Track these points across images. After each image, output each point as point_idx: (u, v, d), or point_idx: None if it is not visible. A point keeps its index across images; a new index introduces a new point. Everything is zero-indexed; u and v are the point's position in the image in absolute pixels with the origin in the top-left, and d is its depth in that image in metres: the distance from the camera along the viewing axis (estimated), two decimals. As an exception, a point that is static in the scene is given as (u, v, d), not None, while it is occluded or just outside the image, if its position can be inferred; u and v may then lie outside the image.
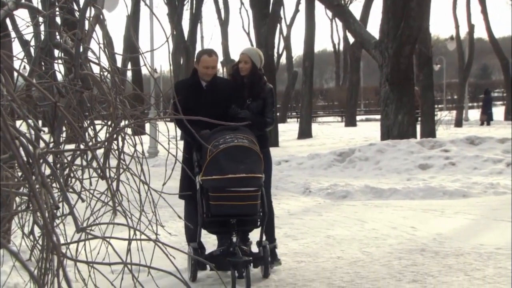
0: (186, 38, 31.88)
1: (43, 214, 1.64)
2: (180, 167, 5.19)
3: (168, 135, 3.68)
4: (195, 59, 5.82)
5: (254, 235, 5.69)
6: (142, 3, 27.69)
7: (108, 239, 2.87)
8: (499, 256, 6.01)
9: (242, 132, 5.34)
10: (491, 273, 5.42)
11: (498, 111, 47.06)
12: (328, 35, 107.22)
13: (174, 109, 5.40)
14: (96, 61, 3.34)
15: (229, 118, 5.54)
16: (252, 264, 5.23)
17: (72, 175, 3.51)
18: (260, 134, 5.69)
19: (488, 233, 7.16)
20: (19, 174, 2.97)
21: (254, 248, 5.57)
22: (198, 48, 54.83)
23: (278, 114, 28.95)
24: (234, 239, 5.26)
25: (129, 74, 28.14)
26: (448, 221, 7.96)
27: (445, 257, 6.02)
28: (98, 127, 3.53)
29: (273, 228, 5.92)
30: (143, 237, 2.80)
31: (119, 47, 30.42)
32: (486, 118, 34.80)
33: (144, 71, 30.84)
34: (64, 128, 3.39)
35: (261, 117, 5.77)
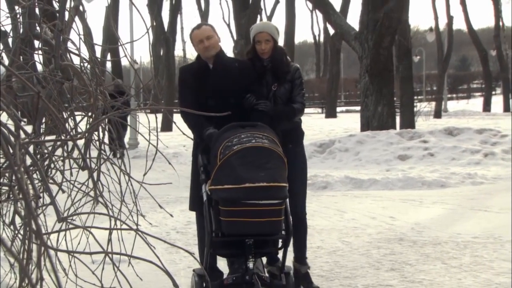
0: (166, 29, 31.76)
1: (28, 202, 1.66)
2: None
3: (149, 126, 3.70)
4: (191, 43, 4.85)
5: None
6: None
7: (89, 229, 2.88)
8: (476, 244, 6.10)
9: (261, 129, 4.26)
10: (468, 261, 5.52)
11: (477, 102, 47.46)
12: (309, 27, 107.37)
13: (179, 99, 4.84)
14: (76, 52, 3.35)
15: (246, 110, 4.55)
16: None
17: (52, 165, 3.52)
18: (291, 128, 4.72)
19: (465, 222, 7.27)
20: None
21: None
22: (178, 39, 54.44)
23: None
24: (251, 265, 4.18)
25: (108, 65, 27.98)
26: (426, 211, 8.06)
27: (423, 246, 6.10)
28: (78, 118, 3.54)
29: (305, 247, 4.89)
30: (124, 226, 2.82)
31: (98, 38, 30.24)
32: None
33: (124, 62, 30.67)
34: (44, 119, 3.40)
35: (287, 105, 4.69)
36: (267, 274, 4.57)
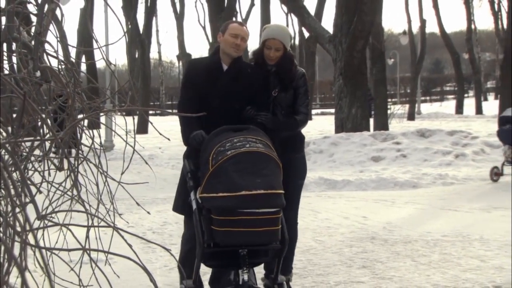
0: (141, 32, 31.73)
1: (12, 198, 1.75)
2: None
3: (126, 128, 3.78)
4: (219, 32, 4.49)
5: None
6: (96, -4, 27.47)
7: (67, 227, 2.97)
8: (445, 242, 6.27)
9: (253, 133, 4.03)
10: (437, 258, 5.67)
11: (450, 105, 48.05)
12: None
13: (181, 92, 4.56)
14: (54, 54, 3.43)
15: (245, 120, 4.33)
16: None
17: (30, 166, 3.59)
18: (292, 135, 4.53)
19: (435, 221, 7.45)
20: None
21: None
22: (154, 42, 54.39)
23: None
24: (246, 277, 3.90)
25: (83, 67, 27.90)
26: (398, 211, 8.23)
27: (394, 244, 6.26)
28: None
29: (292, 256, 4.76)
30: (102, 224, 2.91)
31: (72, 40, 30.11)
32: None
33: (99, 64, 30.60)
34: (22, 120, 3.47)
35: (290, 117, 4.47)
36: (262, 287, 4.38)
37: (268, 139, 4.03)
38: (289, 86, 4.49)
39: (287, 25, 50.72)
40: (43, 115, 3.54)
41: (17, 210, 2.66)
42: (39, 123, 2.73)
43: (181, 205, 4.44)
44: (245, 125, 4.15)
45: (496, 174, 10.44)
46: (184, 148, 4.44)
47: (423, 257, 5.73)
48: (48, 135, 3.39)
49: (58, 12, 3.53)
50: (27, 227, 2.29)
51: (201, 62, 4.68)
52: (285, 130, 4.43)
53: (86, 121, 3.61)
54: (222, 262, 4.03)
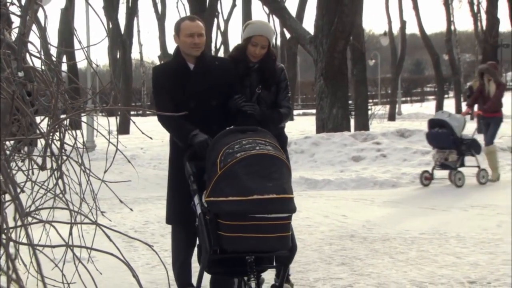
0: (122, 32, 31.68)
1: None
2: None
3: (109, 128, 3.83)
4: (174, 34, 4.38)
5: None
6: (77, -4, 27.39)
7: (51, 224, 3.03)
8: (422, 240, 6.40)
9: (262, 134, 3.88)
10: (414, 255, 5.79)
11: (431, 105, 48.46)
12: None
13: (155, 102, 4.44)
14: (37, 54, 3.49)
15: (231, 113, 4.28)
16: None
17: (14, 165, 3.64)
18: (276, 134, 4.31)
19: (413, 220, 7.58)
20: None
21: None
22: (135, 42, 54.23)
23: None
24: (253, 285, 3.76)
25: (64, 67, 27.83)
26: (377, 210, 8.36)
27: (373, 242, 6.37)
28: (39, 119, 3.67)
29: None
30: (85, 221, 2.98)
31: (53, 40, 30.00)
32: None
33: (80, 65, 30.49)
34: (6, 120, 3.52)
35: (274, 110, 4.48)
36: None
37: (276, 141, 3.90)
38: (272, 83, 4.48)
39: (269, 26, 50.94)
40: (31, 114, 3.60)
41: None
42: (25, 123, 2.79)
43: (172, 213, 4.33)
44: (253, 126, 4.01)
45: (426, 178, 10.31)
46: (164, 149, 4.49)
47: (400, 254, 5.84)
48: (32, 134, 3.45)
49: (41, 13, 3.59)
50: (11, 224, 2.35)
51: (165, 67, 4.57)
52: (270, 122, 4.35)
53: (67, 121, 3.67)
54: (227, 269, 3.87)
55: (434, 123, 10.55)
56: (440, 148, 10.37)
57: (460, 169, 10.22)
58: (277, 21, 49.88)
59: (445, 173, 10.53)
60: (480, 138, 10.75)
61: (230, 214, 3.61)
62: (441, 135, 10.30)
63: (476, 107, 11.54)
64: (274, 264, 4.11)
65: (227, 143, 3.76)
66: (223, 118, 4.20)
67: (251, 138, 3.80)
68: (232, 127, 3.95)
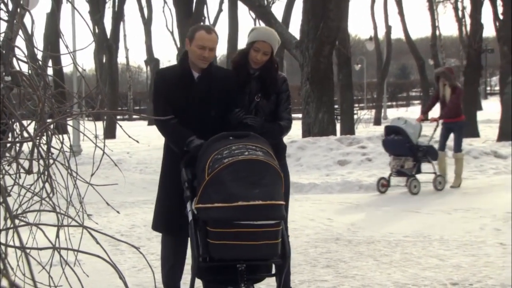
0: (108, 37, 31.64)
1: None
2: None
3: (95, 132, 3.87)
4: (187, 38, 4.27)
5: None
6: (62, 1, 27.33)
7: (38, 226, 3.06)
8: (406, 243, 6.47)
9: (254, 140, 3.84)
10: (398, 258, 5.87)
11: (416, 110, 48.71)
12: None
13: (154, 105, 4.40)
14: (24, 59, 3.52)
15: (231, 125, 4.17)
16: None
17: (1, 168, 3.67)
18: (274, 143, 4.22)
19: (398, 223, 7.66)
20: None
21: None
22: (121, 47, 54.10)
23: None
24: None
25: (50, 72, 27.70)
26: (362, 213, 8.44)
27: (357, 245, 6.44)
28: (25, 123, 3.70)
29: (289, 274, 4.41)
30: (72, 223, 3.01)
31: (39, 44, 29.90)
32: None
33: (65, 69, 30.40)
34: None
35: (274, 123, 4.37)
36: None
37: (269, 146, 3.85)
38: (272, 92, 4.36)
39: (255, 31, 51.10)
40: (19, 118, 3.63)
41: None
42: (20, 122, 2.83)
43: (160, 221, 4.30)
44: (242, 131, 3.97)
45: (383, 185, 10.23)
46: (151, 153, 4.52)
47: (385, 257, 5.91)
48: (18, 138, 3.48)
49: (27, 18, 3.63)
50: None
51: (170, 72, 4.43)
52: (270, 136, 4.20)
53: (54, 125, 3.70)
54: (219, 277, 3.84)
55: (390, 130, 10.43)
56: (396, 155, 10.26)
57: (418, 175, 10.10)
58: (263, 25, 50.05)
59: (430, 176, 10.61)
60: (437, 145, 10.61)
61: (215, 221, 3.59)
62: (397, 142, 10.20)
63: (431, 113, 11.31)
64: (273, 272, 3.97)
65: (217, 148, 3.73)
66: (220, 129, 4.07)
67: (241, 143, 3.75)
68: (223, 132, 3.90)
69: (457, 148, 10.42)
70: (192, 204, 3.79)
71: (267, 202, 3.55)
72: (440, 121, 10.64)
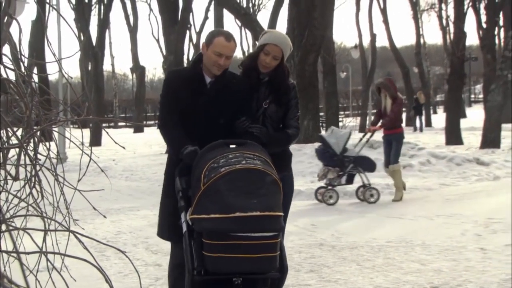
0: (94, 44, 31.64)
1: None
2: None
3: (82, 139, 3.92)
4: (204, 42, 4.06)
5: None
6: (47, 9, 27.32)
7: (26, 231, 3.11)
8: (389, 248, 6.57)
9: (251, 148, 3.68)
10: (380, 262, 5.96)
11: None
12: (238, 43, 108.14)
13: (161, 107, 4.20)
14: (12, 67, 3.58)
15: (237, 134, 3.98)
16: None
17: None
18: (280, 151, 4.11)
19: (381, 228, 7.77)
20: None
21: None
22: (107, 54, 53.90)
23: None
24: None
25: (35, 79, 27.65)
26: (346, 219, 8.54)
27: (341, 250, 6.53)
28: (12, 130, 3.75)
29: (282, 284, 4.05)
30: (59, 228, 3.07)
31: (24, 51, 29.80)
32: None
33: (51, 77, 30.34)
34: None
35: (282, 132, 4.18)
36: None
37: (267, 155, 3.69)
38: (283, 99, 4.16)
39: (241, 39, 51.32)
40: (8, 124, 3.68)
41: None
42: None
43: (167, 230, 4.10)
44: (242, 139, 3.81)
45: (320, 194, 10.20)
46: (136, 160, 4.56)
47: (367, 262, 6.00)
48: (6, 144, 3.54)
49: (14, 26, 3.69)
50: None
51: (182, 73, 4.29)
52: (276, 145, 4.07)
53: (40, 132, 3.76)
54: None
55: (319, 140, 10.57)
56: (324, 164, 10.32)
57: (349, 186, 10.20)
58: (249, 34, 50.21)
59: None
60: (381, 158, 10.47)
61: (210, 233, 3.43)
62: (320, 151, 10.31)
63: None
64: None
65: (213, 157, 3.58)
66: (227, 137, 3.89)
67: (238, 152, 3.60)
68: (220, 140, 3.74)
69: (394, 159, 10.20)
70: (186, 214, 3.64)
71: (265, 213, 3.40)
72: (376, 132, 10.52)
